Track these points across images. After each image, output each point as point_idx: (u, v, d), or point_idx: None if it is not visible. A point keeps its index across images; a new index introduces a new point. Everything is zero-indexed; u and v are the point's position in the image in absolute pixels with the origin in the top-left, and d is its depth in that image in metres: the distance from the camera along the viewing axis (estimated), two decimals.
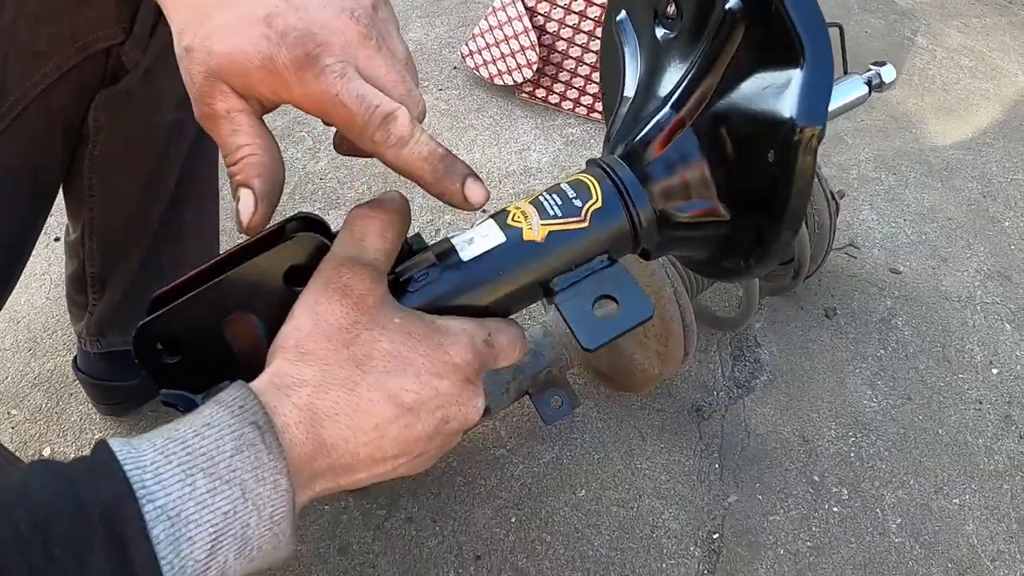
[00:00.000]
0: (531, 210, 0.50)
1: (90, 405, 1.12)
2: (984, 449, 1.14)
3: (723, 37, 0.51)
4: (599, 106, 1.70)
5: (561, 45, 1.64)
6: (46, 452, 1.09)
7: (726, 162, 0.53)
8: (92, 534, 0.33)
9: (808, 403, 1.16)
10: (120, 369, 1.06)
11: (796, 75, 0.47)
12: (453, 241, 0.49)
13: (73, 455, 1.09)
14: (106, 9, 0.68)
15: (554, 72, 1.69)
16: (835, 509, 1.02)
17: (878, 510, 1.03)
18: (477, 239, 0.49)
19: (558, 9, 1.59)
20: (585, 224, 0.50)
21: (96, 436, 1.09)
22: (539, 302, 0.90)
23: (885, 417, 1.15)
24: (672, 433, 1.09)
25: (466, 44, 1.82)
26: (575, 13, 1.58)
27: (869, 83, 0.85)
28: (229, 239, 1.21)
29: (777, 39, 0.48)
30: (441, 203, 0.47)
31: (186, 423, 0.38)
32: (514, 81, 1.72)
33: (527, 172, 1.60)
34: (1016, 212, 1.68)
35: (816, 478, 1.06)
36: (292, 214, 0.49)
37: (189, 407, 0.45)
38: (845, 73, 0.89)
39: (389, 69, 0.44)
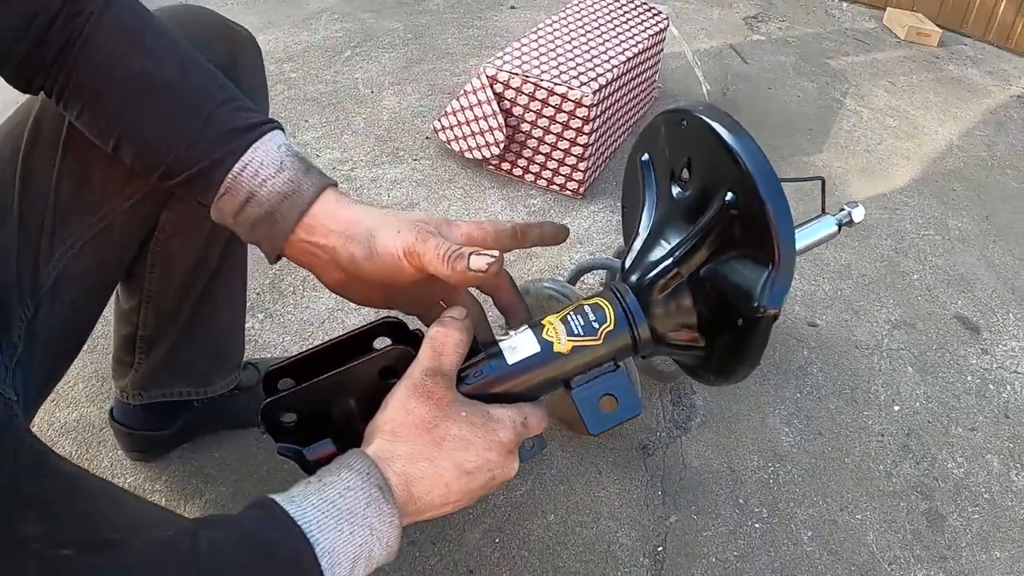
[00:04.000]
0: (560, 327, 0.73)
1: (118, 452, 1.29)
2: (884, 473, 1.43)
3: (719, 221, 0.72)
4: (557, 179, 2.01)
5: (525, 127, 1.95)
6: None
7: (707, 313, 0.75)
8: (284, 571, 0.57)
9: (735, 440, 1.45)
10: (155, 420, 1.24)
11: (768, 271, 0.68)
12: (501, 346, 0.73)
13: None
14: None
15: (518, 149, 1.99)
16: (756, 525, 1.31)
17: (792, 525, 1.32)
18: (519, 347, 0.72)
19: (523, 96, 1.90)
20: (600, 342, 0.73)
21: (128, 479, 1.25)
22: None
23: (799, 450, 1.45)
24: (623, 467, 1.37)
25: (439, 120, 2.11)
26: (538, 100, 1.89)
27: (839, 223, 1.11)
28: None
29: (760, 240, 0.68)
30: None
31: (331, 486, 0.61)
32: (483, 156, 2.02)
33: None
34: (924, 266, 2.00)
35: (741, 501, 1.34)
36: (380, 317, 0.74)
37: (297, 456, 0.70)
38: (823, 210, 1.15)
39: None
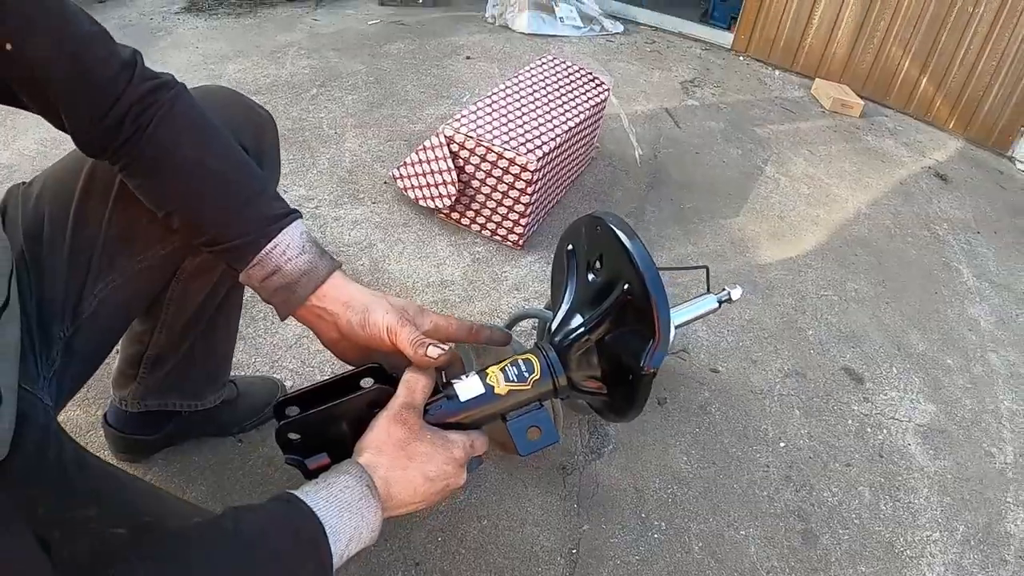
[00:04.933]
0: (500, 375, 0.98)
1: (105, 452, 1.47)
2: (767, 498, 1.72)
3: (617, 304, 0.99)
4: (500, 231, 2.31)
5: (475, 183, 2.24)
6: None
7: (608, 369, 1.01)
8: (304, 546, 0.76)
9: (640, 464, 1.74)
10: (147, 426, 1.45)
11: (650, 342, 0.93)
12: (456, 388, 0.98)
13: None
14: None
15: (468, 202, 2.28)
16: (655, 536, 1.59)
17: (686, 537, 1.60)
18: (469, 388, 0.98)
19: (475, 157, 2.19)
20: (528, 387, 0.99)
21: None
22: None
23: (695, 475, 1.74)
24: (546, 483, 1.65)
25: (398, 169, 2.39)
26: (488, 162, 2.18)
27: (720, 301, 1.41)
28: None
29: (646, 320, 0.94)
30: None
31: (334, 485, 0.81)
32: (435, 206, 2.30)
33: (443, 284, 2.16)
34: (819, 322, 2.33)
35: (643, 515, 1.63)
36: (367, 365, 0.98)
37: (300, 465, 0.96)
38: (708, 290, 1.43)
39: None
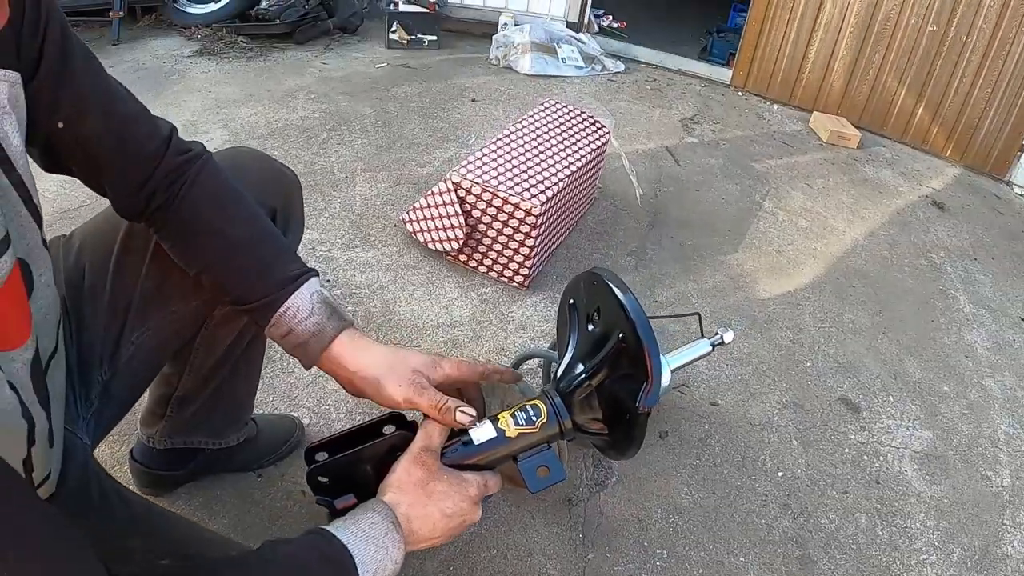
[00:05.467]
0: (510, 420, 1.06)
1: (131, 485, 1.53)
2: (766, 526, 1.79)
3: (614, 351, 1.07)
4: (507, 272, 2.40)
5: (482, 227, 2.33)
6: None
7: (608, 411, 1.09)
8: (338, 573, 0.83)
9: (643, 496, 1.81)
10: (172, 462, 1.53)
11: (643, 384, 1.00)
12: (471, 433, 1.05)
13: None
14: None
15: (475, 244, 2.38)
16: (658, 563, 1.66)
17: (687, 564, 1.67)
18: (482, 433, 1.05)
19: (482, 202, 2.29)
20: (536, 431, 1.07)
21: None
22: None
23: (695, 505, 1.81)
24: (553, 515, 1.72)
25: (408, 213, 2.49)
26: (494, 207, 2.28)
27: (713, 344, 1.49)
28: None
29: (639, 366, 1.02)
30: None
31: (363, 520, 0.88)
32: (444, 249, 2.40)
33: (452, 324, 2.24)
34: (817, 354, 2.40)
35: (646, 544, 1.70)
36: (388, 413, 1.06)
37: (330, 505, 1.03)
38: (702, 335, 1.51)
39: None
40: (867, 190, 3.57)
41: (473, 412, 1.01)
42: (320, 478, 1.03)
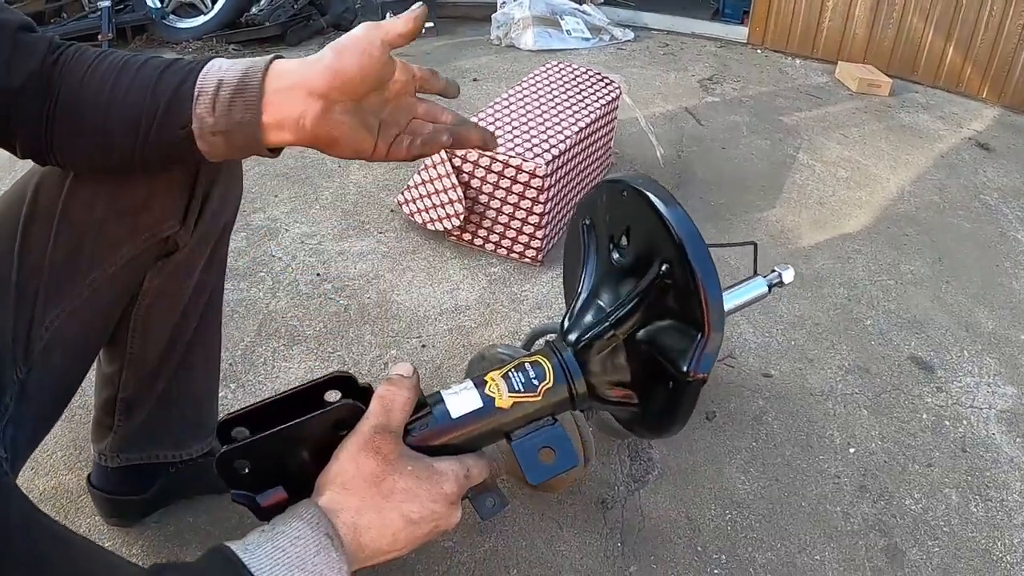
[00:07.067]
0: (502, 384, 0.80)
1: (95, 518, 1.35)
2: (841, 514, 1.49)
3: (654, 289, 0.80)
4: (516, 247, 2.11)
5: (484, 198, 2.04)
6: None
7: (640, 374, 0.82)
8: None
9: (692, 490, 1.51)
10: (132, 484, 1.32)
11: (697, 339, 0.75)
12: (446, 399, 0.79)
13: None
14: (168, 205, 1.00)
15: (478, 219, 2.09)
16: (716, 571, 1.36)
17: (751, 569, 1.37)
18: (463, 401, 0.79)
19: (480, 169, 2.00)
20: (539, 398, 0.80)
21: (105, 545, 1.30)
22: None
23: (756, 496, 1.51)
24: (583, 521, 1.43)
25: (402, 194, 2.21)
26: (495, 172, 1.99)
27: (770, 284, 1.19)
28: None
29: (691, 309, 0.76)
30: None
31: (283, 535, 0.67)
32: (445, 227, 2.11)
33: (457, 310, 1.97)
34: (877, 311, 2.09)
35: (699, 548, 1.40)
36: (331, 371, 0.80)
37: (251, 503, 0.76)
38: (755, 273, 1.22)
39: None
40: (906, 136, 3.26)
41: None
42: (237, 465, 0.75)
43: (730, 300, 1.16)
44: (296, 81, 0.77)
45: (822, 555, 1.41)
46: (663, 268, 0.78)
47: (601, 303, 0.86)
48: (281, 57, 0.81)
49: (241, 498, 0.77)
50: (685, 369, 0.75)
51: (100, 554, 0.70)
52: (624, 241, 0.86)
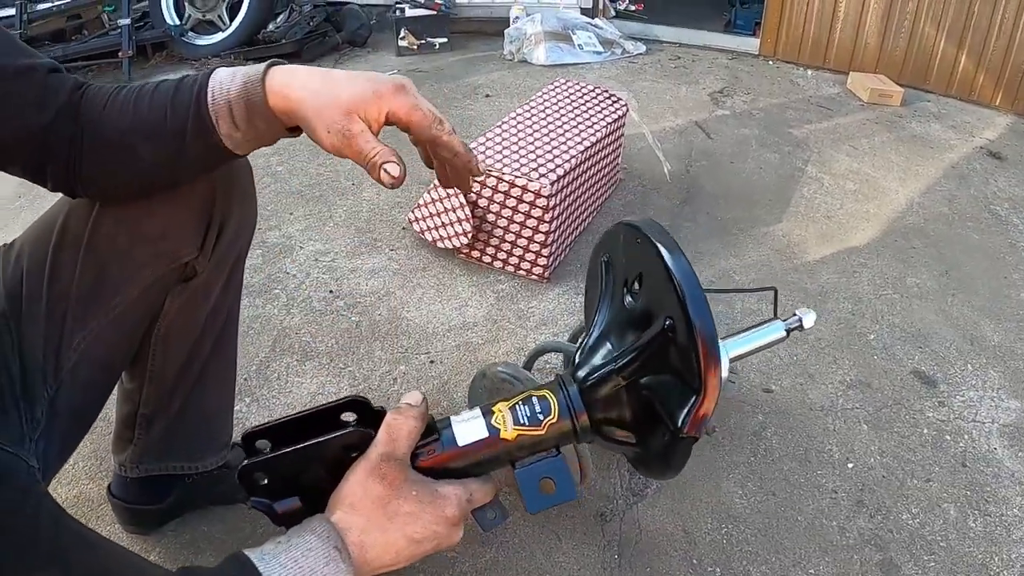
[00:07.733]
0: (508, 416, 0.84)
1: (115, 526, 1.41)
2: (837, 529, 1.51)
3: (658, 341, 0.82)
4: (523, 265, 2.15)
5: (491, 216, 2.09)
6: None
7: (640, 418, 0.84)
8: None
9: (689, 504, 1.54)
10: (150, 494, 1.37)
11: (694, 398, 0.77)
12: (454, 427, 0.84)
13: None
14: (186, 234, 1.07)
15: (486, 237, 2.13)
16: None
17: None
18: (470, 430, 0.84)
19: (487, 188, 2.04)
20: (543, 432, 0.84)
21: None
22: None
23: (752, 510, 1.53)
24: (581, 534, 1.46)
25: (413, 212, 2.26)
26: (501, 192, 2.03)
27: (788, 328, 1.19)
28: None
29: (690, 369, 0.77)
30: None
31: (296, 547, 0.74)
32: (454, 245, 2.15)
33: (465, 326, 2.01)
34: (881, 325, 2.10)
35: (695, 561, 1.43)
36: (348, 396, 0.85)
37: (268, 510, 0.83)
38: (775, 316, 1.21)
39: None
40: (917, 146, 3.25)
41: (400, 169, 0.82)
42: (256, 476, 0.82)
43: (746, 344, 1.17)
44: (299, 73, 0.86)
45: (816, 569, 1.43)
46: (667, 323, 0.80)
47: (610, 345, 0.89)
48: (278, 63, 0.88)
49: (259, 505, 0.84)
50: (680, 425, 0.78)
51: (127, 557, 0.77)
52: (637, 287, 0.88)
